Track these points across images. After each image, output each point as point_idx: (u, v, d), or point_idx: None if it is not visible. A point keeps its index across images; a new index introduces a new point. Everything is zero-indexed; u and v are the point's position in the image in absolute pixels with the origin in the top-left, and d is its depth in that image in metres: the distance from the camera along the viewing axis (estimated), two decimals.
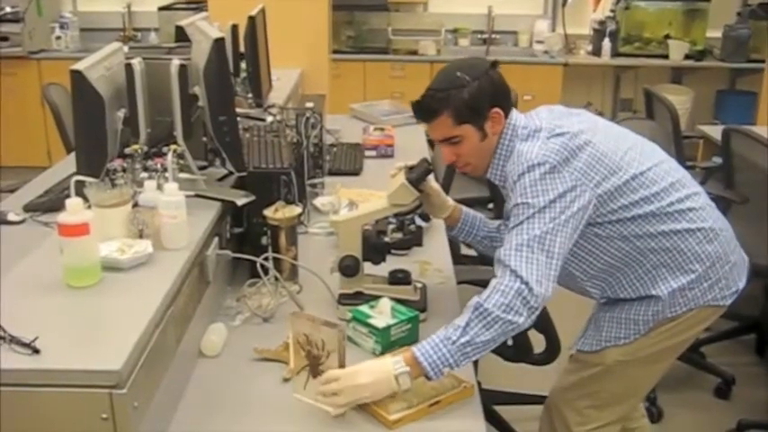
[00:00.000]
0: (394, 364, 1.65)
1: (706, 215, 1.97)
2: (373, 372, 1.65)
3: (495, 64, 1.94)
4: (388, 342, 1.87)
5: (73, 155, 2.95)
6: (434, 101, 1.89)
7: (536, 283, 1.73)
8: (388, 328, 1.87)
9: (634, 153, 1.93)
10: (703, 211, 1.97)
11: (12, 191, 2.74)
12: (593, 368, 2.07)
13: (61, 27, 6.06)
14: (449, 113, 1.89)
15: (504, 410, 3.04)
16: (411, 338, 1.92)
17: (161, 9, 6.00)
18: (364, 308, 1.94)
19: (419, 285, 2.11)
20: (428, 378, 1.68)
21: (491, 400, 2.93)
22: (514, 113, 1.96)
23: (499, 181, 1.97)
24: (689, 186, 1.99)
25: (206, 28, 2.27)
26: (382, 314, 1.92)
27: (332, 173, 3.09)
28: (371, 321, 1.89)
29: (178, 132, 2.13)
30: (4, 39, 5.81)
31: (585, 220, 1.85)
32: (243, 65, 3.47)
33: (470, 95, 1.87)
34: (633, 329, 2.00)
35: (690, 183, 2.01)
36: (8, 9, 5.81)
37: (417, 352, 1.67)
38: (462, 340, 1.68)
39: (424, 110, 1.92)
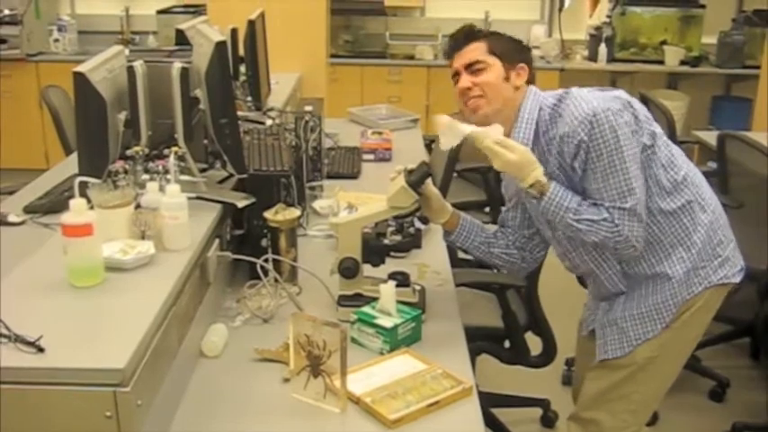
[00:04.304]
0: (538, 175, 1.90)
1: (712, 195, 2.07)
2: (524, 163, 1.90)
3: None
4: (396, 341, 1.89)
5: (71, 157, 2.98)
6: (478, 30, 2.10)
7: (635, 238, 1.93)
8: (396, 327, 1.89)
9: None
10: (709, 190, 2.06)
11: (10, 193, 2.75)
12: (624, 370, 2.09)
13: (59, 30, 6.06)
14: (485, 42, 2.05)
15: (501, 413, 3.05)
16: (415, 336, 1.95)
17: (159, 12, 6.01)
18: (367, 309, 1.96)
19: (418, 288, 2.12)
20: (539, 198, 1.93)
21: (488, 403, 2.95)
22: (534, 87, 2.06)
23: (524, 140, 1.99)
24: (694, 167, 2.07)
25: (207, 31, 2.29)
26: (385, 305, 1.94)
27: (330, 176, 3.11)
28: (378, 322, 1.90)
29: (179, 135, 2.15)
30: (2, 41, 5.82)
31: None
32: (242, 68, 3.49)
33: (508, 40, 2.08)
34: (657, 319, 2.03)
35: (693, 165, 2.08)
36: (6, 11, 5.82)
37: (551, 189, 1.92)
38: (575, 225, 1.92)
39: (465, 33, 2.09)
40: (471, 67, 2.03)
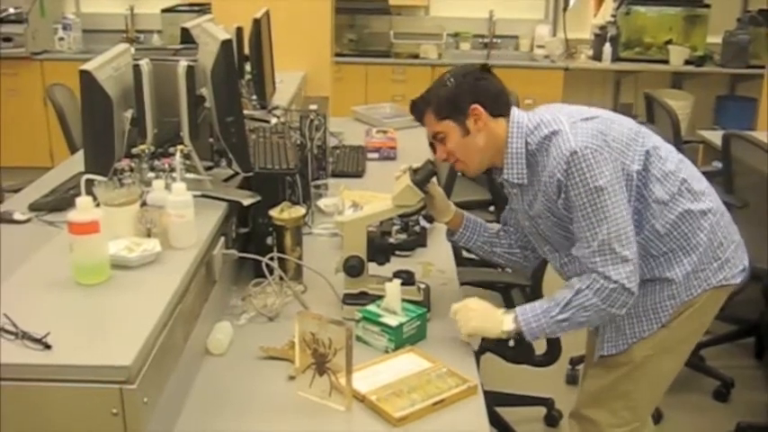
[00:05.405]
0: (504, 322, 1.91)
1: (712, 197, 2.04)
2: (485, 316, 1.93)
3: (485, 67, 2.01)
4: (401, 339, 1.90)
5: (77, 155, 2.98)
6: (421, 100, 2.03)
7: (627, 280, 1.86)
8: (401, 326, 1.90)
9: (645, 129, 2.00)
10: (709, 191, 2.04)
11: (16, 191, 2.76)
12: (622, 368, 2.08)
13: (64, 28, 6.06)
14: (431, 110, 2.00)
15: (505, 412, 3.05)
16: (420, 335, 1.95)
17: (164, 11, 6.01)
18: (372, 307, 1.96)
19: (422, 286, 2.13)
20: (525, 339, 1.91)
21: (493, 402, 2.94)
22: (516, 112, 2.00)
23: (517, 179, 1.98)
24: (692, 167, 2.05)
25: (213, 30, 2.29)
26: (390, 304, 1.94)
27: (335, 175, 3.11)
28: (383, 320, 1.91)
29: (185, 133, 2.15)
30: (7, 39, 5.82)
31: (632, 197, 1.91)
32: (247, 67, 3.50)
33: (448, 93, 1.98)
34: (654, 318, 2.02)
35: (690, 165, 2.06)
36: (11, 10, 5.82)
37: (521, 317, 1.89)
38: (561, 317, 1.88)
39: (414, 109, 2.06)
40: (437, 139, 2.03)
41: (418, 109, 2.04)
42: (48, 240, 1.90)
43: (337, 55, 5.60)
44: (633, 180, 1.91)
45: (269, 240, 2.21)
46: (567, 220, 1.93)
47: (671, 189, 1.95)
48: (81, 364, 1.37)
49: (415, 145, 3.63)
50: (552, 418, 3.21)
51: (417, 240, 2.19)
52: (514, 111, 2.00)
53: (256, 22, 3.40)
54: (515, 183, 2.00)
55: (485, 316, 1.94)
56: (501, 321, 1.91)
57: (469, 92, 1.97)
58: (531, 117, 1.98)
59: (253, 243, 2.26)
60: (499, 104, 1.98)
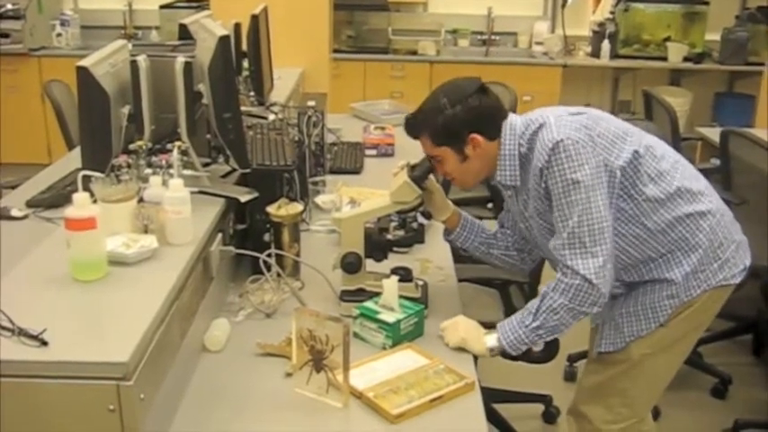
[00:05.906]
0: (487, 340, 1.92)
1: (712, 197, 2.03)
2: (471, 332, 1.93)
3: (482, 87, 1.97)
4: (398, 336, 1.90)
5: (74, 151, 2.98)
6: (416, 123, 2.01)
7: (595, 275, 1.84)
8: (398, 322, 1.90)
9: (637, 129, 2.00)
10: (708, 192, 2.03)
11: (13, 187, 2.75)
12: (619, 365, 2.09)
13: (62, 24, 6.05)
14: (427, 135, 1.99)
15: (503, 408, 3.05)
16: (418, 332, 1.95)
17: (162, 7, 6.01)
18: (369, 304, 1.96)
19: (420, 283, 2.12)
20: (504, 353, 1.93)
21: (490, 398, 2.94)
22: (511, 118, 1.99)
23: (510, 181, 1.99)
24: (690, 167, 2.05)
25: (211, 26, 2.29)
26: (388, 300, 1.94)
27: (333, 171, 3.11)
28: (381, 317, 1.91)
29: (182, 129, 2.15)
30: (5, 36, 5.80)
31: (615, 194, 1.90)
32: (245, 63, 3.49)
33: (446, 121, 1.94)
34: (652, 318, 2.02)
35: (688, 165, 2.06)
36: (9, 6, 5.80)
37: (500, 332, 1.92)
38: (534, 325, 1.89)
39: (409, 130, 2.05)
40: (434, 159, 2.02)
41: (413, 130, 2.03)
42: (45, 237, 1.89)
43: (335, 51, 5.58)
44: (617, 177, 1.90)
45: (266, 237, 2.21)
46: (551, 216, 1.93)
47: (666, 188, 1.94)
48: (78, 361, 1.37)
49: (413, 142, 3.61)
50: (550, 415, 3.21)
51: (415, 237, 2.18)
52: (509, 117, 1.98)
53: (254, 19, 3.39)
54: (509, 185, 2.00)
55: (470, 331, 1.94)
56: (485, 340, 1.93)
57: (467, 121, 1.94)
58: (522, 119, 1.99)
59: (250, 239, 2.26)
60: (496, 126, 1.97)
